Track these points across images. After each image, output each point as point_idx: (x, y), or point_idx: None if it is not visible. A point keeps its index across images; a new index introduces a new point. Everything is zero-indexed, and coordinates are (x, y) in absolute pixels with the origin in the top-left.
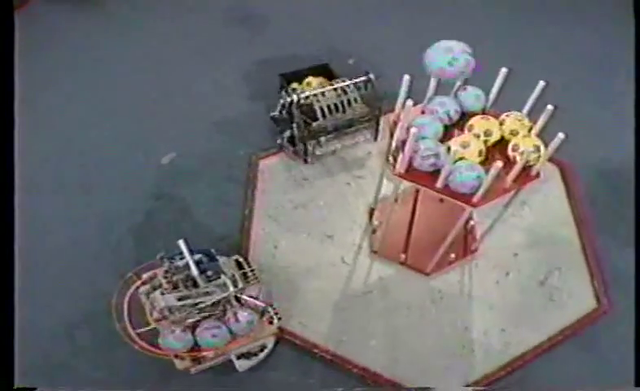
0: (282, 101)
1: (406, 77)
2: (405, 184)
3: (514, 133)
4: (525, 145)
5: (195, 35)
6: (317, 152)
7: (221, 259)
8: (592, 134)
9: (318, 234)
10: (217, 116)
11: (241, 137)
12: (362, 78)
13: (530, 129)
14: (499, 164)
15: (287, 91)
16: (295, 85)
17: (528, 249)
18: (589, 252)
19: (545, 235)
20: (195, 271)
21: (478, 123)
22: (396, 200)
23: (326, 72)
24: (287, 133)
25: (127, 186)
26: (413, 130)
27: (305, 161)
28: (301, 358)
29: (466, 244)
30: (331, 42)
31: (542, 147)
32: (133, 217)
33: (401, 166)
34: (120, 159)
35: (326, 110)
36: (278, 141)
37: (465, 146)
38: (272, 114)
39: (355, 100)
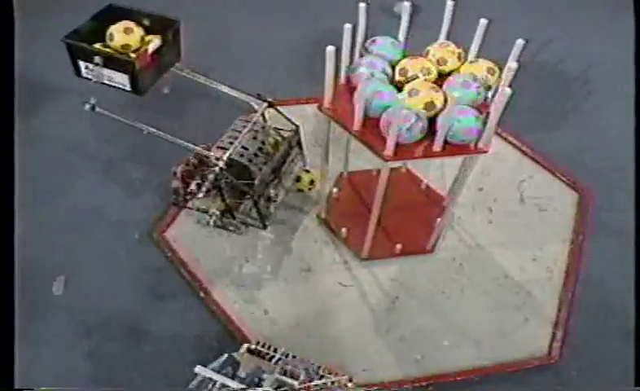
0: (206, 180)
1: (330, 49)
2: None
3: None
4: (479, 72)
5: None
6: (272, 210)
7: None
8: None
9: (294, 273)
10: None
11: (116, 216)
12: (264, 106)
13: (460, 55)
14: (508, 90)
15: (208, 165)
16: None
17: (486, 177)
18: (530, 153)
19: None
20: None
21: (409, 65)
22: (337, 200)
23: (117, 12)
24: (216, 211)
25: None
26: (400, 96)
27: (264, 227)
28: None
29: (436, 205)
30: None
31: (496, 68)
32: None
33: (389, 149)
34: None
35: (256, 160)
36: (210, 223)
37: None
38: (174, 186)
39: (269, 133)
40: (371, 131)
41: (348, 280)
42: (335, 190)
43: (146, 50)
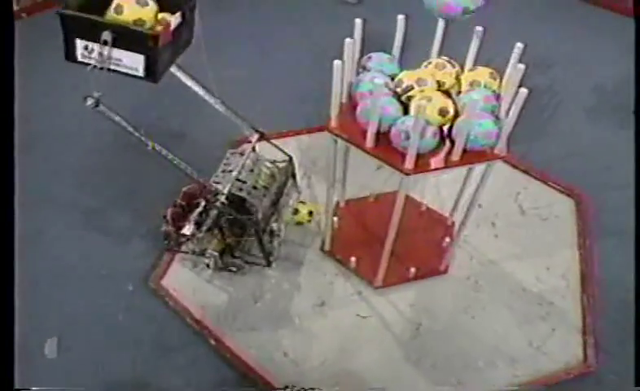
0: (207, 218)
1: (337, 63)
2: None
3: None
4: (483, 78)
5: None
6: (275, 245)
7: None
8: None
9: (308, 310)
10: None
11: (105, 268)
12: (256, 137)
13: (457, 75)
14: (524, 90)
15: (208, 201)
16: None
17: (482, 193)
18: (519, 166)
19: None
20: None
21: (405, 76)
22: (339, 230)
23: None
24: (215, 251)
25: None
26: (419, 104)
27: (269, 264)
28: None
29: (440, 225)
30: None
31: (495, 73)
32: None
33: (409, 162)
34: None
35: (255, 194)
36: (210, 266)
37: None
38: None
39: (264, 165)
40: (384, 147)
41: (366, 311)
42: (335, 219)
43: (168, 25)
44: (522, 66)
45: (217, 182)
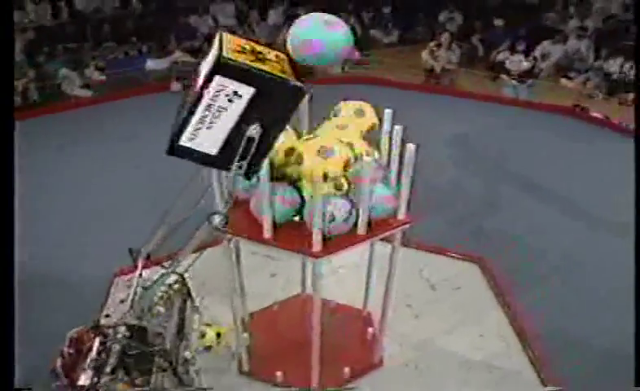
0: (110, 357)
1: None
2: None
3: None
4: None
5: None
6: (193, 375)
7: None
8: None
9: None
10: None
11: None
12: (143, 258)
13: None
14: (412, 146)
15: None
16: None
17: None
18: (411, 244)
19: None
20: None
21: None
22: (253, 346)
23: None
24: None
25: None
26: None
27: None
28: None
29: (357, 318)
30: None
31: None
32: None
33: (317, 244)
34: None
35: (155, 321)
36: None
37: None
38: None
39: (157, 289)
40: (283, 236)
41: None
42: (245, 336)
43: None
44: (399, 127)
45: (109, 316)
